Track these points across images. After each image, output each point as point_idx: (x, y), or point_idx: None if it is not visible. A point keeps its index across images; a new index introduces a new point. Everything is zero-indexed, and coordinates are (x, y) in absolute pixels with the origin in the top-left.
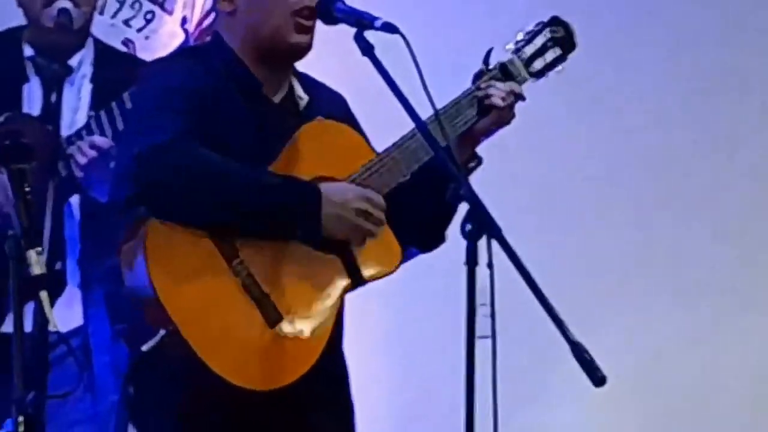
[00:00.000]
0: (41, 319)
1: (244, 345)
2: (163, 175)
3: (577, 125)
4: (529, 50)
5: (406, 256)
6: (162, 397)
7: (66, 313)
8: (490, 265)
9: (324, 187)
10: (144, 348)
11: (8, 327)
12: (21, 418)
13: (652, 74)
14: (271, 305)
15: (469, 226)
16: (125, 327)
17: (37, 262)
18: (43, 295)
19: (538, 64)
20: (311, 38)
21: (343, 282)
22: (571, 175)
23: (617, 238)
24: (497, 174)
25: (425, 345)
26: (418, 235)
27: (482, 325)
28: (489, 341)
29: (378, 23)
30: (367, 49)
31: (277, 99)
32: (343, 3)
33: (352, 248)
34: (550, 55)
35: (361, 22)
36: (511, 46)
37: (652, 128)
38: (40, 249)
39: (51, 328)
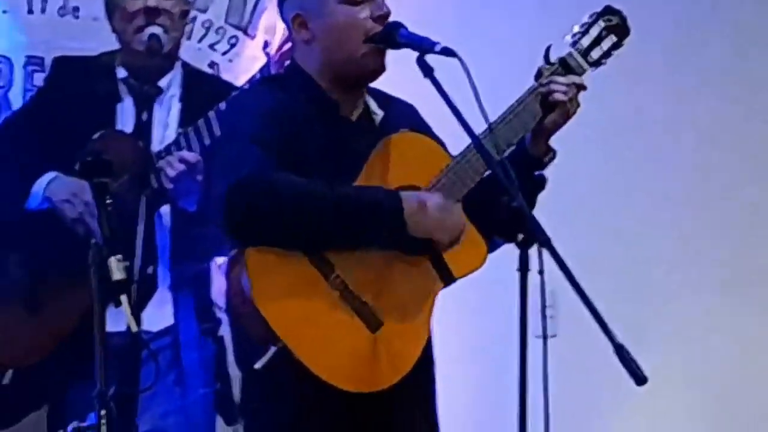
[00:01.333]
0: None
1: (349, 352)
2: (255, 208)
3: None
4: (585, 41)
5: (493, 247)
6: (273, 406)
7: (158, 313)
8: (541, 272)
9: (403, 194)
10: (257, 366)
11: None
12: (103, 412)
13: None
14: (370, 313)
15: (521, 236)
16: (237, 349)
17: (117, 269)
18: (123, 298)
19: (595, 54)
20: (384, 60)
21: (435, 283)
22: (615, 177)
23: (662, 240)
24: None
25: (481, 346)
26: (501, 227)
27: (546, 325)
28: (549, 341)
29: (437, 48)
30: (428, 72)
31: (354, 117)
32: (406, 29)
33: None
34: (606, 43)
35: (422, 47)
36: (568, 38)
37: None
38: (120, 257)
39: (129, 327)
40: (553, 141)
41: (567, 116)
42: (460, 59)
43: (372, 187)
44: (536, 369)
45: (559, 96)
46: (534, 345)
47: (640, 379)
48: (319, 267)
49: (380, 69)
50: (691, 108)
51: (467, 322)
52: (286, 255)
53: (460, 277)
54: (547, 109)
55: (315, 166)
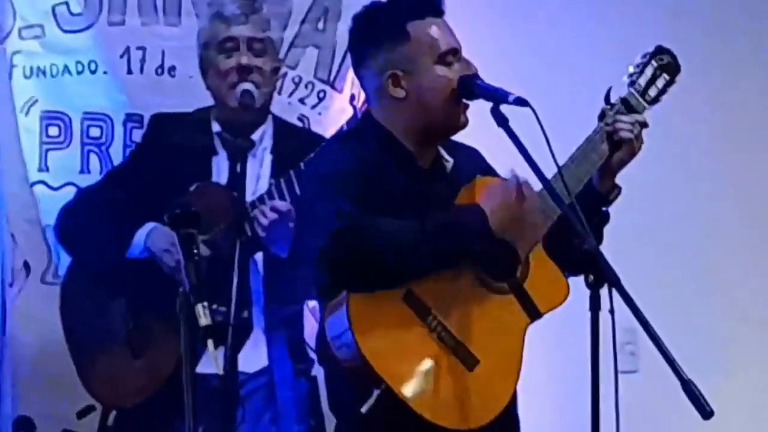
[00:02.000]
0: (230, 362)
1: (449, 391)
2: (350, 258)
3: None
4: (642, 81)
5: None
6: None
7: (253, 355)
8: (611, 311)
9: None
10: (363, 410)
11: (202, 368)
12: None
13: None
14: (467, 352)
15: (591, 277)
16: (332, 397)
17: (204, 315)
18: (210, 343)
19: (652, 92)
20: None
21: (523, 319)
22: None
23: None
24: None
25: (554, 381)
26: (572, 266)
27: (625, 361)
28: (631, 376)
29: (511, 98)
30: (502, 122)
31: (426, 165)
32: (482, 81)
33: (524, 285)
34: (661, 82)
35: (497, 97)
36: (625, 79)
37: None
38: (206, 303)
39: (212, 370)
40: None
41: (633, 153)
42: (532, 109)
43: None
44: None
45: (625, 134)
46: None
47: (707, 413)
48: (416, 309)
49: (466, 124)
50: None
51: (543, 361)
52: (384, 299)
53: (546, 312)
54: (613, 147)
55: (396, 213)
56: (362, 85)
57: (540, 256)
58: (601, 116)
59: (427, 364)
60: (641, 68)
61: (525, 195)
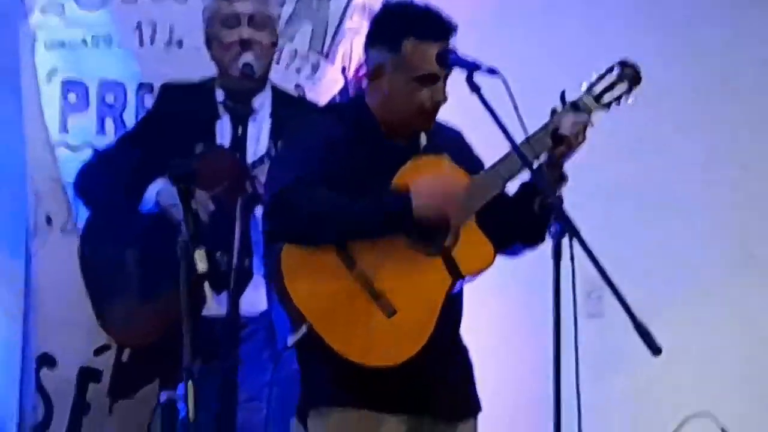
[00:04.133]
0: (233, 305)
1: (367, 334)
2: (289, 212)
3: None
4: (599, 87)
5: (515, 251)
6: (316, 374)
7: (255, 298)
8: (572, 259)
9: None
10: (289, 342)
11: (207, 311)
12: (190, 383)
13: None
14: (386, 301)
15: (554, 228)
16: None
17: (201, 260)
18: (206, 285)
19: (607, 98)
20: (431, 122)
21: (444, 278)
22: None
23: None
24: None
25: (518, 328)
26: (523, 234)
27: (593, 305)
28: (598, 320)
29: (484, 68)
30: (475, 89)
31: (403, 143)
32: (456, 53)
33: (450, 250)
34: (618, 90)
35: (470, 66)
36: (584, 85)
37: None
38: (203, 250)
39: (207, 310)
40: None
41: (572, 148)
42: (503, 78)
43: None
44: (585, 346)
45: (563, 130)
46: (583, 324)
47: (655, 350)
48: (344, 260)
49: (428, 128)
50: None
51: (509, 304)
52: (316, 251)
53: (468, 275)
54: (555, 141)
55: (356, 183)
56: (365, 64)
57: (470, 225)
58: (553, 113)
59: (347, 308)
60: (602, 76)
61: (454, 181)
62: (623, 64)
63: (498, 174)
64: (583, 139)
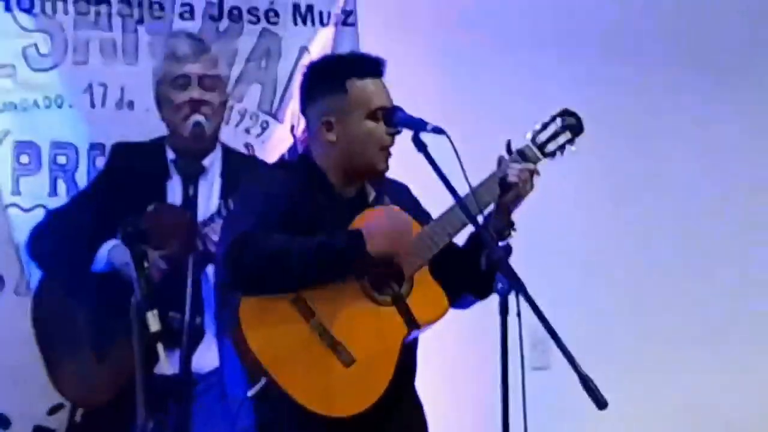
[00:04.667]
0: (185, 364)
1: (325, 384)
2: (244, 259)
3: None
4: (543, 136)
5: (466, 303)
6: (276, 426)
7: (207, 356)
8: (518, 315)
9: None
10: (249, 394)
11: (160, 369)
12: None
13: None
14: (345, 351)
15: (500, 285)
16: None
17: (154, 321)
18: (159, 346)
19: (551, 147)
20: (388, 162)
21: (400, 328)
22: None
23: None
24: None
25: (466, 378)
26: (472, 286)
27: (538, 358)
28: (545, 372)
29: (429, 127)
30: (421, 147)
31: (350, 195)
32: (404, 112)
33: (406, 300)
34: (562, 139)
35: (416, 125)
36: (529, 134)
37: None
38: (155, 311)
39: (159, 370)
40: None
41: (520, 195)
42: (448, 136)
43: (337, 231)
44: (532, 398)
45: (512, 178)
46: (530, 377)
47: (601, 404)
48: (301, 311)
49: (386, 170)
50: None
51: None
52: (273, 300)
53: (424, 325)
54: (504, 189)
55: (307, 234)
56: (306, 123)
57: (424, 275)
58: (499, 163)
59: (306, 358)
60: (545, 125)
61: (405, 223)
62: (565, 113)
63: (444, 227)
64: (531, 187)
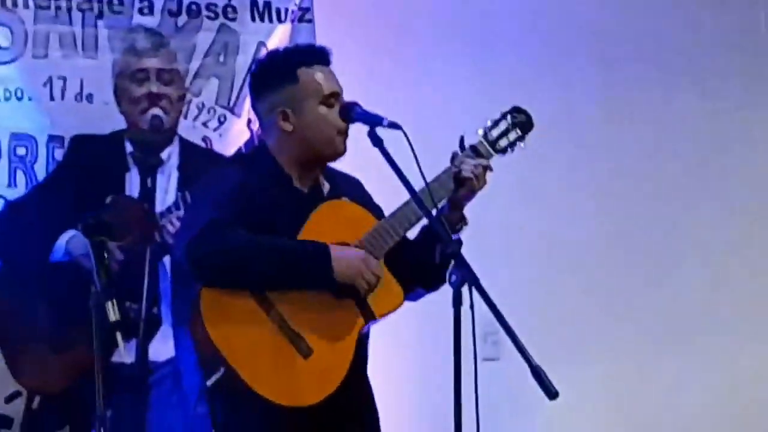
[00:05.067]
0: (141, 353)
1: (285, 374)
2: (207, 255)
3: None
4: (495, 133)
5: (416, 296)
6: (233, 415)
7: (162, 346)
8: (471, 307)
9: (332, 247)
10: (208, 383)
11: (117, 358)
12: (101, 430)
13: None
14: (303, 342)
15: (454, 277)
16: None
17: (113, 311)
18: (118, 335)
19: (502, 143)
20: (346, 144)
21: (357, 320)
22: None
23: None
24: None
25: (420, 369)
26: (424, 279)
27: (489, 350)
28: (495, 363)
29: (385, 122)
30: (377, 142)
31: (306, 189)
32: (360, 107)
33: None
34: (513, 136)
35: (373, 121)
36: (481, 131)
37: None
38: (114, 301)
39: (117, 358)
40: None
41: (473, 190)
42: (404, 131)
43: (307, 241)
44: (483, 388)
45: (466, 173)
46: (482, 367)
47: (552, 394)
48: (261, 303)
49: (344, 152)
50: None
51: (410, 348)
52: (234, 293)
53: (381, 316)
54: (458, 184)
55: (268, 228)
56: (257, 117)
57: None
58: (452, 159)
59: (265, 350)
60: (495, 122)
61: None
62: (515, 111)
63: (401, 221)
64: (485, 182)
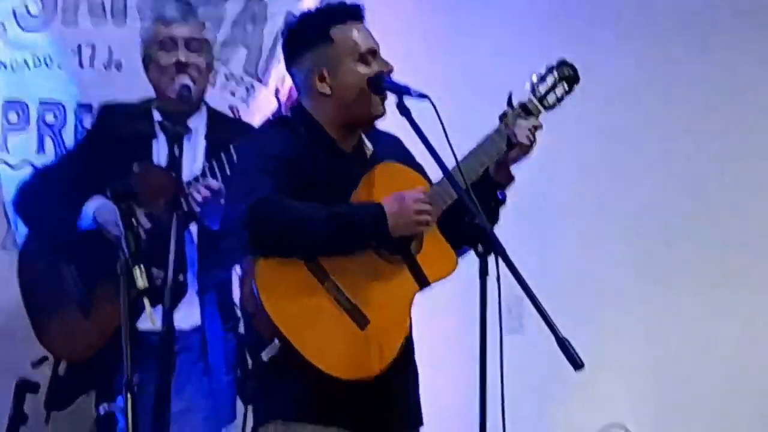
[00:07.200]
0: (167, 320)
1: (341, 345)
2: (266, 224)
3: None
4: (542, 88)
5: (460, 253)
6: (279, 392)
7: (188, 314)
8: (498, 278)
9: (384, 200)
10: (264, 357)
11: (143, 325)
12: (129, 395)
13: None
14: (359, 312)
15: (481, 248)
16: (249, 342)
17: (140, 277)
18: (146, 301)
19: (550, 99)
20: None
21: (412, 286)
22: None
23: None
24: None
25: (447, 340)
26: (467, 239)
27: (509, 322)
28: (519, 336)
29: (414, 93)
30: (405, 113)
31: (349, 150)
32: (390, 78)
33: (416, 258)
34: (560, 91)
35: (401, 91)
36: (527, 86)
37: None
38: (142, 267)
39: (147, 324)
40: None
41: (527, 153)
42: (432, 102)
43: (360, 204)
44: (509, 360)
45: (522, 139)
46: (505, 339)
47: (578, 365)
48: (316, 273)
49: (384, 113)
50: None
51: (439, 318)
52: (288, 263)
53: (434, 282)
54: (510, 146)
55: (316, 192)
56: (293, 81)
57: (434, 233)
58: (502, 117)
59: (322, 321)
60: (543, 77)
61: (422, 198)
62: (562, 64)
63: (449, 189)
64: (536, 142)
